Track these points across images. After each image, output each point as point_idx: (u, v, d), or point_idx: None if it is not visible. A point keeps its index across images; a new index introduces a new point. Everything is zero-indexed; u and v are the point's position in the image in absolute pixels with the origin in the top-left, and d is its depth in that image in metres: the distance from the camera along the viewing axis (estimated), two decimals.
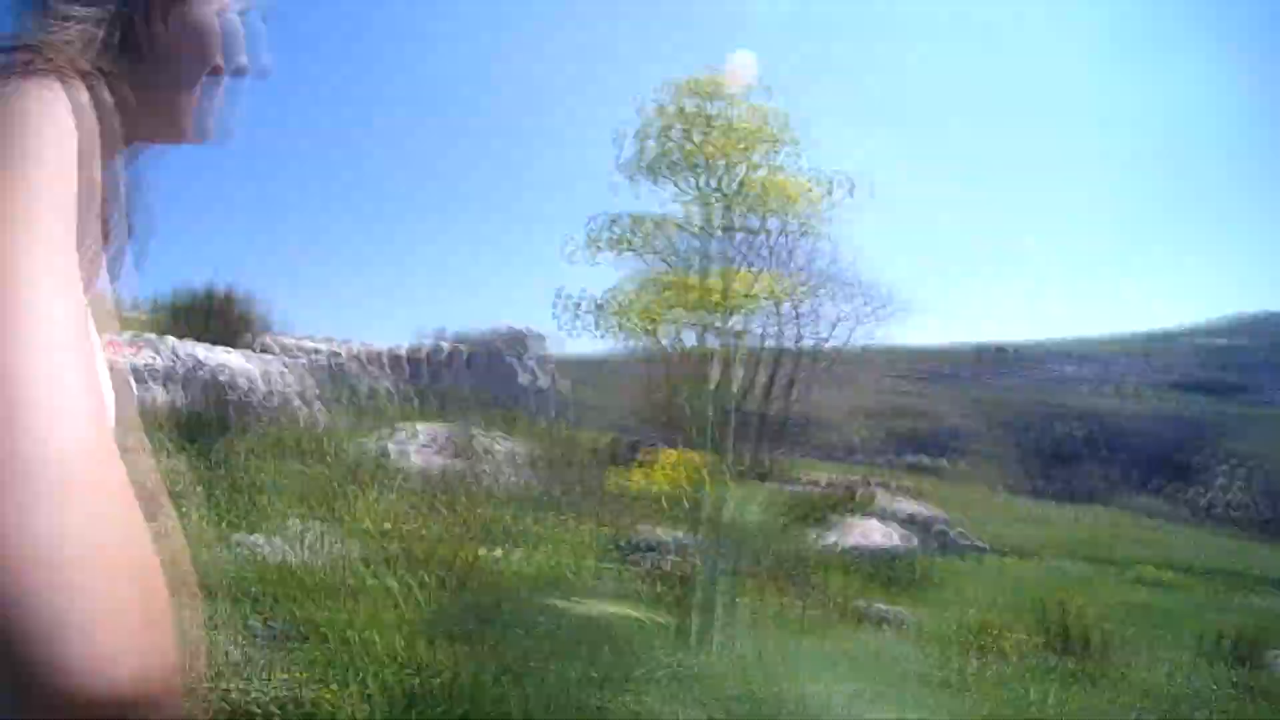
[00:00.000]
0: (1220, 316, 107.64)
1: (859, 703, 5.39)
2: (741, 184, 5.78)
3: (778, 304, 7.82)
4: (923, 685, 7.26)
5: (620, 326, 5.79)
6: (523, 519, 11.28)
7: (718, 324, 5.87)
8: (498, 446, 15.18)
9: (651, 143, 6.13)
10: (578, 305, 5.83)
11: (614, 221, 5.98)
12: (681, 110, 6.05)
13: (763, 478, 19.66)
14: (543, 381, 20.39)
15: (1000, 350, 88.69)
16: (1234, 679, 9.18)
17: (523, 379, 20.09)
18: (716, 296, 5.77)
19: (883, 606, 10.67)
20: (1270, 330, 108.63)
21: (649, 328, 5.81)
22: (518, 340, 20.42)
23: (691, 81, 6.20)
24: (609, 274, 6.06)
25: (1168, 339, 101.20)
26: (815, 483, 20.47)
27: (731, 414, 6.32)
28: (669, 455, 6.14)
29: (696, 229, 5.92)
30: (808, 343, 21.26)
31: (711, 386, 5.92)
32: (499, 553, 9.12)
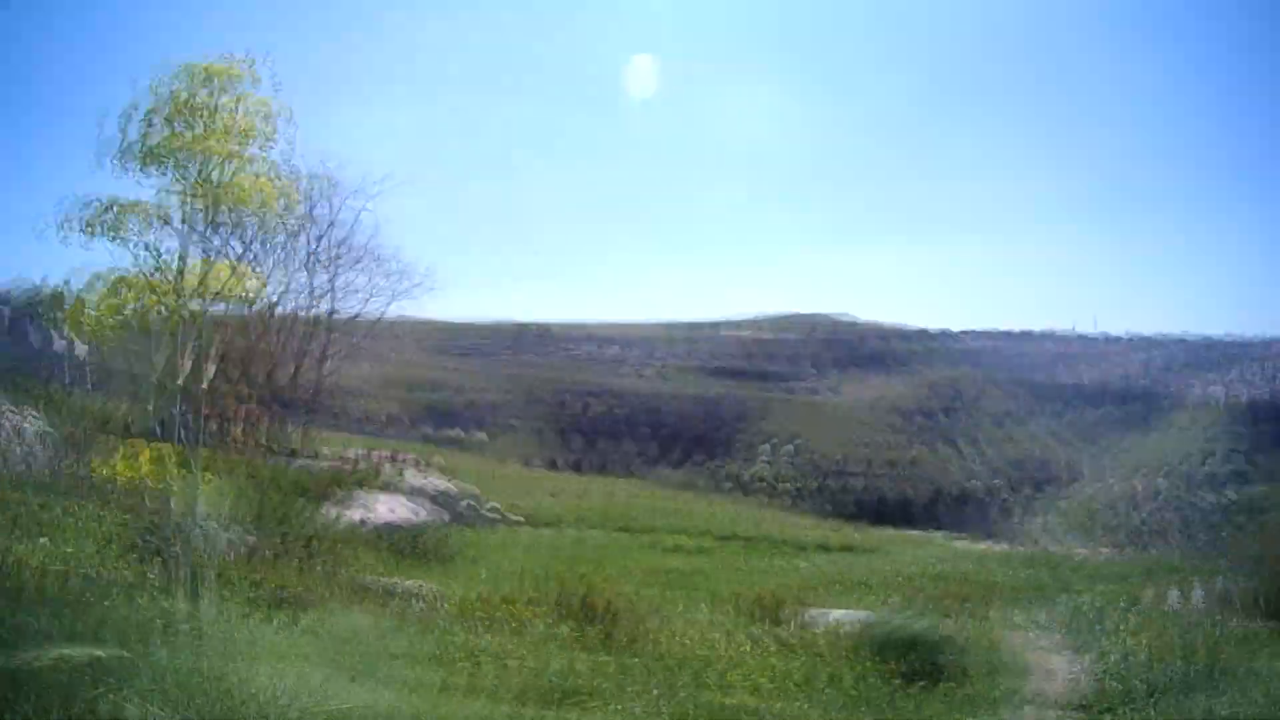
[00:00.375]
0: (761, 315, 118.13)
1: (331, 685, 5.32)
2: (225, 178, 5.72)
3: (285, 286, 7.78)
4: (420, 662, 7.31)
5: (73, 325, 5.59)
6: (53, 507, 10.56)
7: (187, 312, 5.77)
8: (27, 425, 13.84)
9: (152, 128, 5.92)
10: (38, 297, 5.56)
11: (93, 205, 5.73)
12: (188, 100, 5.87)
13: (293, 455, 19.25)
14: (59, 345, 18.83)
15: (539, 329, 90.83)
16: (756, 635, 9.74)
17: (35, 340, 18.50)
18: (192, 287, 5.70)
19: (408, 583, 10.67)
20: (797, 326, 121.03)
21: (108, 325, 5.64)
22: (34, 300, 18.74)
23: (192, 68, 6.02)
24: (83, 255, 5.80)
25: (714, 328, 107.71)
26: (345, 459, 20.30)
27: (202, 401, 6.20)
28: (138, 445, 6.00)
29: (179, 219, 5.80)
30: (341, 318, 21.20)
31: (180, 380, 5.83)
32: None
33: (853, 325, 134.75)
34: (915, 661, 8.83)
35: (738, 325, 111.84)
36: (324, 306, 20.52)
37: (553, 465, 49.02)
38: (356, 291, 21.30)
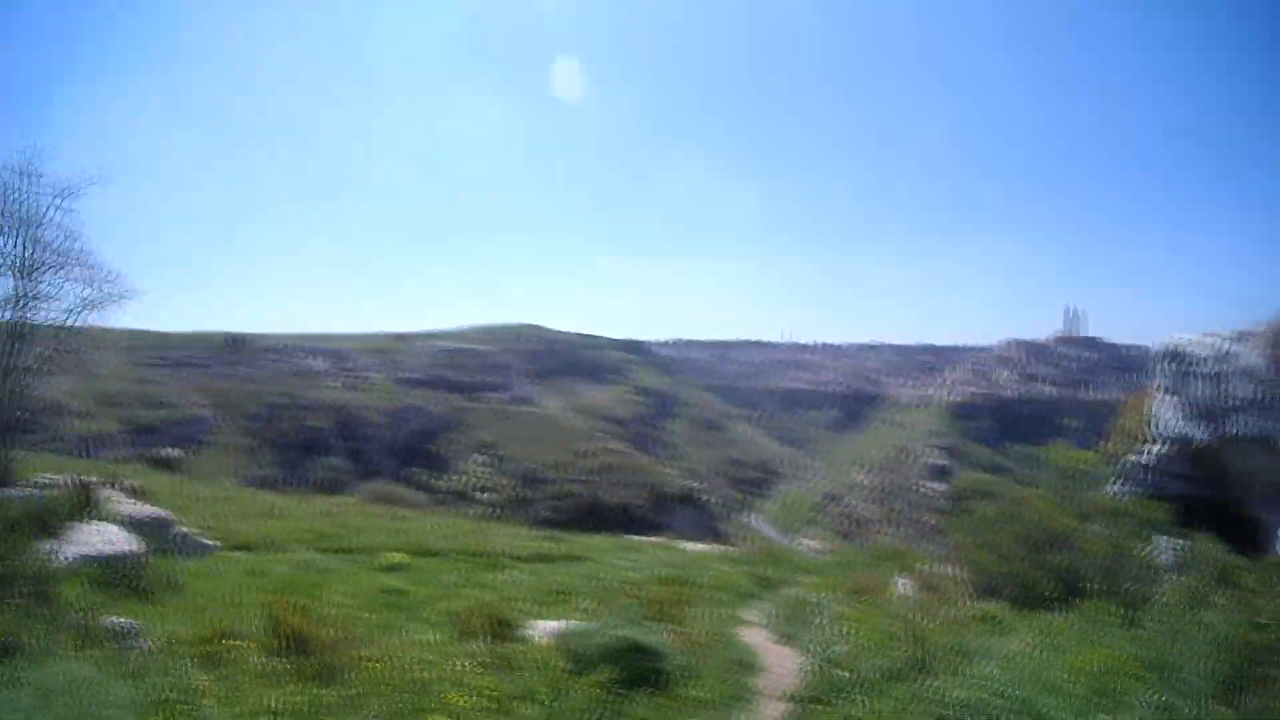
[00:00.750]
0: (474, 326, 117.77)
1: None
2: None
3: None
4: (139, 709, 6.84)
5: None
6: None
7: None
8: None
9: None
10: None
11: None
12: None
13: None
14: None
15: (248, 340, 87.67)
16: (476, 652, 9.50)
17: None
18: None
19: (115, 619, 9.88)
20: (509, 337, 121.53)
21: None
22: None
23: None
24: None
25: (427, 339, 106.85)
26: (54, 485, 18.56)
27: None
28: None
29: None
30: (44, 326, 19.45)
31: None
32: None
33: (564, 336, 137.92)
34: (639, 667, 8.89)
35: (450, 336, 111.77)
36: (22, 314, 18.67)
37: (267, 483, 47.17)
38: (55, 299, 19.51)
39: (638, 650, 9.20)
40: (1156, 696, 7.95)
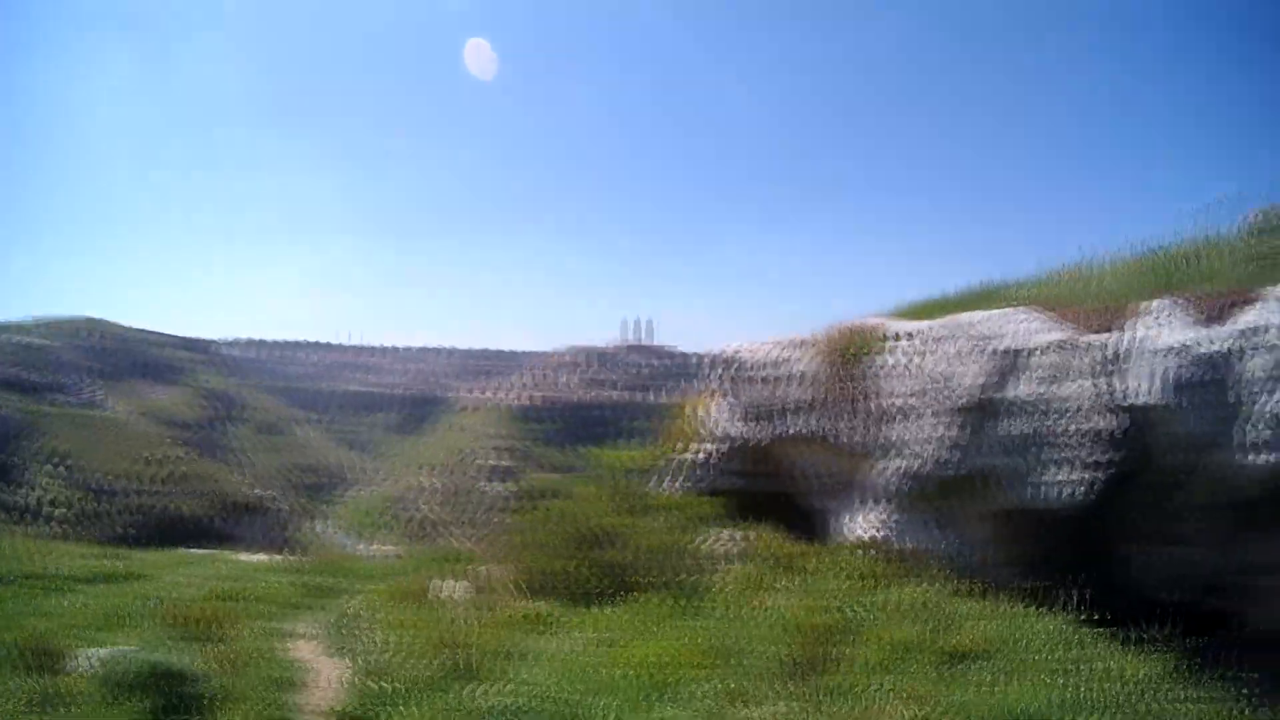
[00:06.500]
0: (29, 317, 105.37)
1: None
2: None
3: None
4: None
5: None
6: None
7: None
8: None
9: None
10: None
11: None
12: None
13: None
14: None
15: None
16: (32, 689, 8.99)
17: None
18: None
19: None
20: (70, 331, 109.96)
21: None
22: None
23: None
24: None
25: None
26: None
27: None
28: None
29: None
30: None
31: None
32: None
33: (127, 332, 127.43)
34: (176, 693, 8.73)
35: (7, 328, 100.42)
36: None
37: None
38: None
39: (173, 675, 8.88)
40: (721, 684, 8.53)
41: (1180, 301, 12.93)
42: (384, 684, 9.21)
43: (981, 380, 13.38)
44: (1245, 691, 9.07)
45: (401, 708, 8.50)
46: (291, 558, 21.24)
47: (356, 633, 11.83)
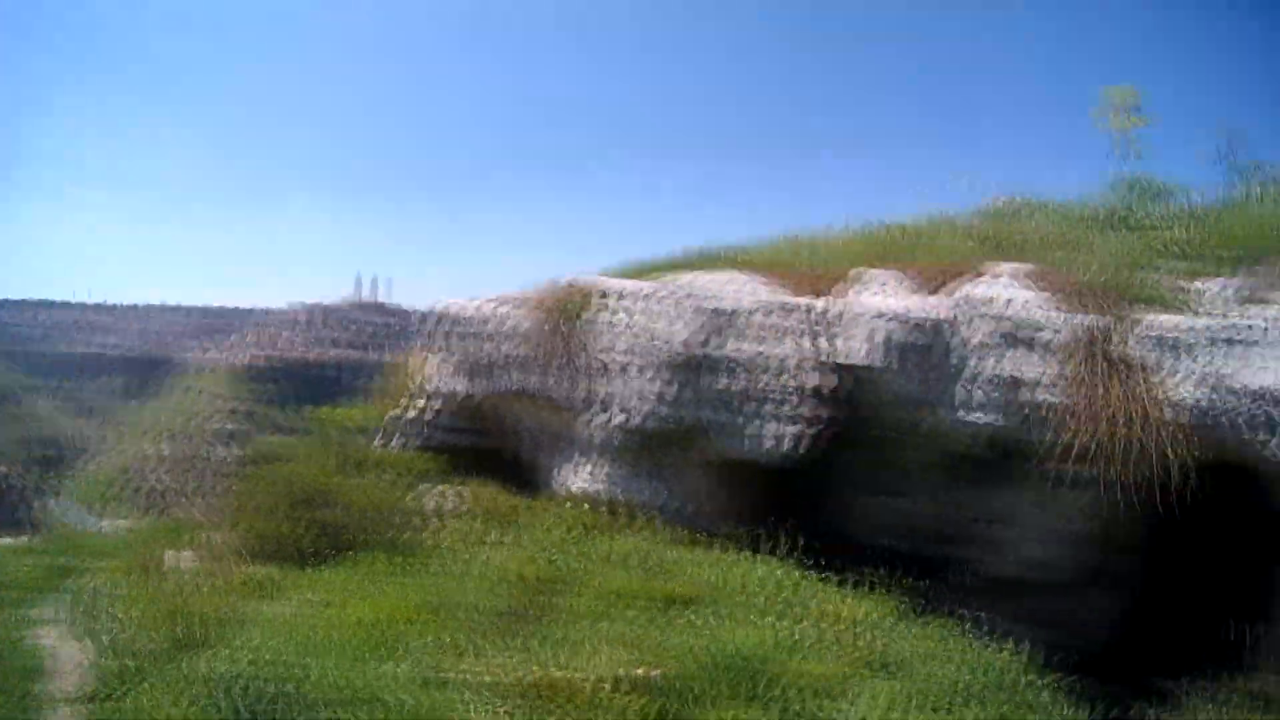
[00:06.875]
0: None
1: None
2: None
3: None
4: None
5: None
6: None
7: None
8: None
9: None
10: None
11: None
12: None
13: None
14: None
15: None
16: None
17: None
18: None
19: None
20: None
21: None
22: None
23: None
24: None
25: None
26: None
27: None
28: None
29: None
30: None
31: None
32: None
33: None
34: None
35: None
36: None
37: None
38: None
39: None
40: (438, 638, 8.76)
41: (900, 272, 14.18)
42: (124, 662, 9.21)
43: (694, 337, 14.05)
44: (963, 629, 10.19)
45: (140, 683, 8.51)
46: (29, 538, 20.40)
47: (95, 612, 11.64)
